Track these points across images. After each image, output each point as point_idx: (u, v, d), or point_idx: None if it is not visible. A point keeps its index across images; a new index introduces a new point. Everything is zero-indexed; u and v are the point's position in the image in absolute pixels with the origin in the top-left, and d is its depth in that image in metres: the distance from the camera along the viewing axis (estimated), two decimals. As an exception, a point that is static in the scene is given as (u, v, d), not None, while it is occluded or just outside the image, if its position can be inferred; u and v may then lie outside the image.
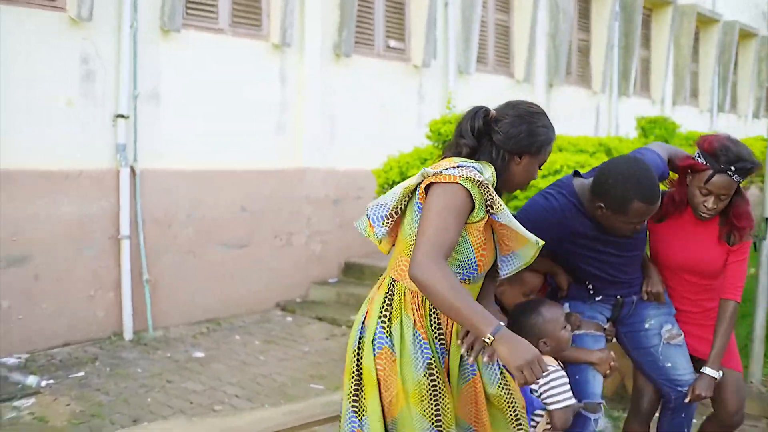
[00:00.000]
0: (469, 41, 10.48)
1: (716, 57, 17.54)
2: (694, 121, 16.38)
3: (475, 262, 2.81)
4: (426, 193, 2.75)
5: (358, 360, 2.87)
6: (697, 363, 3.82)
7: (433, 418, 2.77)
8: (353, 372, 2.88)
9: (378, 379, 2.81)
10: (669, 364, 3.70)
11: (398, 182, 6.33)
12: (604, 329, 3.70)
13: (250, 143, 8.02)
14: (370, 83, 9.32)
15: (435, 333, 2.83)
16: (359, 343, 2.88)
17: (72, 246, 6.70)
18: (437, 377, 2.78)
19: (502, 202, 2.80)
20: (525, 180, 2.97)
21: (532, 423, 3.22)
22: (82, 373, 6.01)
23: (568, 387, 3.22)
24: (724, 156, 3.50)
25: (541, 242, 2.90)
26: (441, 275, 2.56)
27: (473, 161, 2.84)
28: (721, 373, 3.68)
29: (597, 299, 3.67)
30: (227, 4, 7.87)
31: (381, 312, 2.84)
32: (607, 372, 3.53)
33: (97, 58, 6.82)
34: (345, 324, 7.53)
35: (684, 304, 3.84)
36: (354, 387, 2.87)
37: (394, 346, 2.79)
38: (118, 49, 6.92)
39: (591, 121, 13.41)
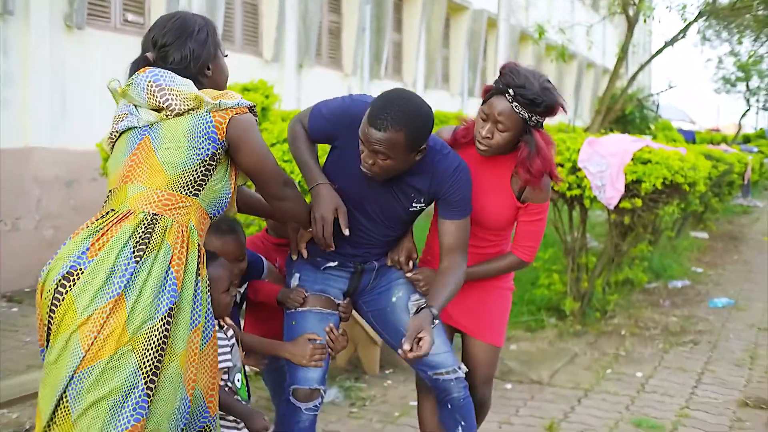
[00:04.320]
0: (213, 18, 10.19)
1: (466, 43, 18.15)
2: (446, 104, 16.84)
3: (229, 194, 2.79)
4: (227, 125, 2.69)
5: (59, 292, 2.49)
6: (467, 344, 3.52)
7: (149, 368, 2.46)
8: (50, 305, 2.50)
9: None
10: None
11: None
12: (339, 305, 3.30)
13: (-33, 120, 7.38)
14: (106, 58, 8.82)
15: (198, 269, 2.64)
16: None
17: None
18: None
19: None
20: (226, 77, 2.97)
21: None
22: None
23: (224, 350, 2.93)
24: (510, 77, 3.07)
25: None
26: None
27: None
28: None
29: (332, 264, 3.24)
30: (-63, -34, 7.19)
31: (135, 246, 2.52)
32: (314, 361, 3.16)
33: None
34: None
35: None
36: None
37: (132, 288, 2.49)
38: None
39: (343, 102, 13.45)
